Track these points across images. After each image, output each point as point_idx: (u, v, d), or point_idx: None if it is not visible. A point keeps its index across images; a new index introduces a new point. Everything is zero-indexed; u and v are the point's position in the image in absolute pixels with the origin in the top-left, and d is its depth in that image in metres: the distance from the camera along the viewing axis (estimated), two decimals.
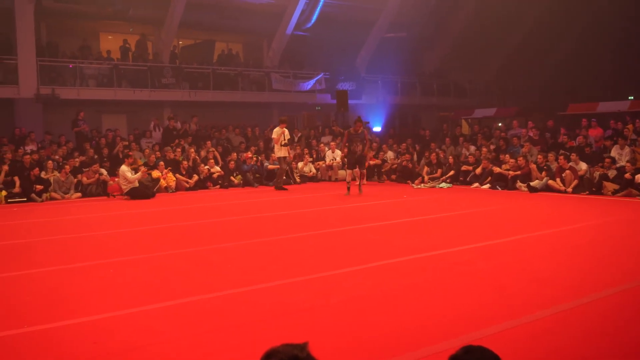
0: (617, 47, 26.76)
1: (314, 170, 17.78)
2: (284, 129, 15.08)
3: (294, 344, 1.82)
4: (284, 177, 16.03)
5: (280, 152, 15.10)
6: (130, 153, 14.88)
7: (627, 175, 12.57)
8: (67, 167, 14.41)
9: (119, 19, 22.01)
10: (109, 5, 20.60)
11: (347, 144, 13.77)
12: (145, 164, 15.11)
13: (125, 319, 4.70)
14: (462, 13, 27.13)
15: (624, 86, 25.76)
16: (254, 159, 17.00)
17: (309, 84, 22.91)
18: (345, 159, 14.65)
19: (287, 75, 23.17)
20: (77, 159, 15.40)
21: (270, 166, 17.09)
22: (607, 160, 13.40)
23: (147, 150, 16.55)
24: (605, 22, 26.04)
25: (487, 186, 14.83)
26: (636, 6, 24.86)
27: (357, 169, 13.82)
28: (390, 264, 6.42)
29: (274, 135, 15.17)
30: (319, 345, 4.03)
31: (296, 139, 20.21)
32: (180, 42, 25.00)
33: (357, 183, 13.83)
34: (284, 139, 14.99)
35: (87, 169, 14.89)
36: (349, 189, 13.61)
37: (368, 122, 24.02)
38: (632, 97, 20.61)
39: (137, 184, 13.80)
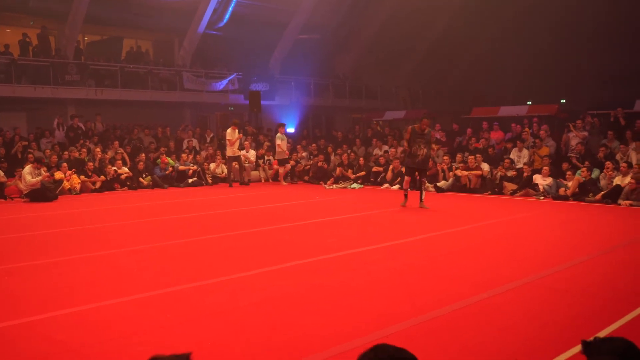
0: (518, 55, 28.42)
1: (225, 171, 17.54)
2: (236, 130, 16.37)
3: (178, 354, 1.87)
4: (196, 178, 16.81)
5: (232, 152, 16.40)
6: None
7: (525, 176, 13.34)
8: None
9: (18, 11, 20.74)
10: None
11: (408, 144, 11.10)
12: (46, 165, 14.35)
13: (27, 327, 4.44)
14: (375, 18, 27.73)
15: (523, 91, 27.40)
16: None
17: (221, 84, 22.59)
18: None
19: (199, 75, 22.74)
20: None
21: (181, 167, 16.75)
22: (506, 161, 14.14)
23: (48, 151, 15.73)
24: (509, 32, 27.57)
25: (396, 187, 15.22)
26: (538, 19, 26.47)
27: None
28: (301, 265, 6.44)
29: (229, 137, 16.31)
30: (227, 349, 3.98)
31: (208, 139, 19.94)
32: (86, 38, 23.96)
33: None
34: (239, 143, 16.53)
35: None
36: (406, 197, 11.43)
37: (284, 124, 24.00)
38: (530, 102, 21.85)
39: (38, 186, 13.10)
